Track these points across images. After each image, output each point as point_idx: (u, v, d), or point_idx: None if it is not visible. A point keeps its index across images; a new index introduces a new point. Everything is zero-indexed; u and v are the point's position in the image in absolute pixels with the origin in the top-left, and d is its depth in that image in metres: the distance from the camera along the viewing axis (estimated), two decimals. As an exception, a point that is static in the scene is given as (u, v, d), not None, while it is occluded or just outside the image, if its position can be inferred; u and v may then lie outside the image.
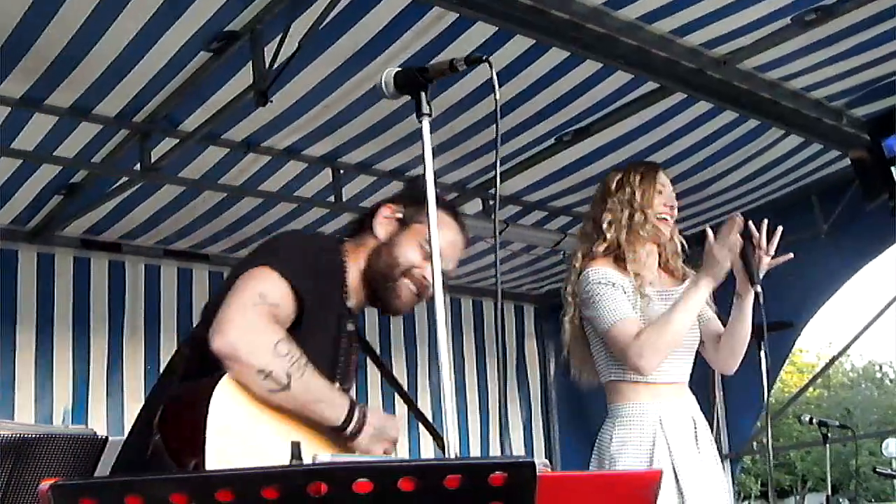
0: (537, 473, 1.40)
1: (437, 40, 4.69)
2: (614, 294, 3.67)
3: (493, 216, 2.94)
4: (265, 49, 4.43)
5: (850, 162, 6.09)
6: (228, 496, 1.37)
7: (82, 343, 6.45)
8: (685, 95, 5.42)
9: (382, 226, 2.97)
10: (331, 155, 5.74)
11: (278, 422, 2.56)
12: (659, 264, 3.91)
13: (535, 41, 4.77)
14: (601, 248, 3.81)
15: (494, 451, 8.16)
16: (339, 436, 2.64)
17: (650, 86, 5.31)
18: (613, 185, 3.91)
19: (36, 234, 6.29)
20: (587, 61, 5.00)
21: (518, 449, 8.30)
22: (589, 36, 4.71)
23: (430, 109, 2.40)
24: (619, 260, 3.79)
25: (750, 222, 3.69)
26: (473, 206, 6.52)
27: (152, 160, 5.29)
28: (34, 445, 3.00)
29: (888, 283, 9.36)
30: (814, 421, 6.30)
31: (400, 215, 2.97)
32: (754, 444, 7.85)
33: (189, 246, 6.83)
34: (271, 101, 4.45)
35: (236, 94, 4.73)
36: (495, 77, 2.41)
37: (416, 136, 2.40)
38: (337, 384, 2.76)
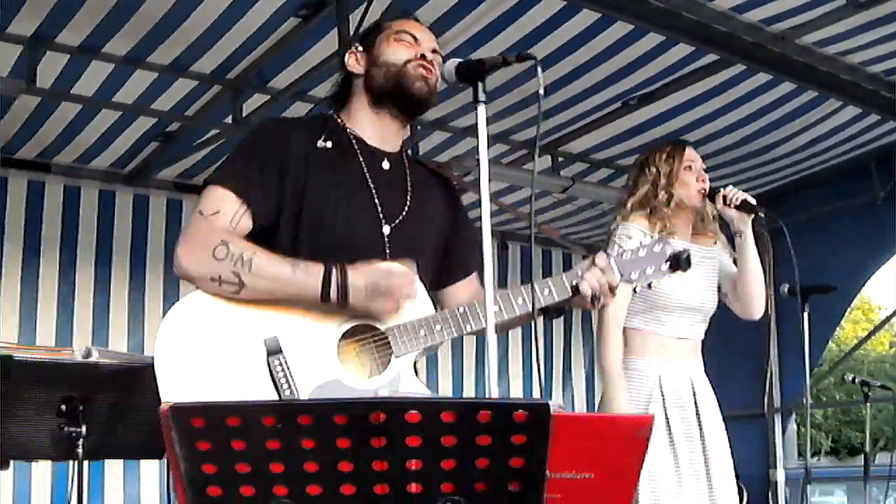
0: (551, 413, 1.76)
1: (511, 12, 5.04)
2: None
3: (530, 207, 3.11)
4: (350, 17, 4.79)
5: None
6: (307, 420, 1.75)
7: (172, 280, 6.93)
8: (744, 67, 5.70)
9: (356, 65, 2.98)
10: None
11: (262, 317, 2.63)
12: (694, 231, 4.26)
13: (601, 14, 5.09)
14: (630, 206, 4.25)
15: (557, 396, 8.58)
16: (330, 307, 2.64)
17: (711, 57, 5.60)
18: (641, 165, 4.33)
19: (132, 177, 6.78)
20: (650, 34, 5.30)
21: (579, 395, 8.67)
22: (651, 10, 5.01)
23: (486, 97, 2.63)
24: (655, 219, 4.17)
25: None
26: (543, 162, 6.90)
27: (243, 114, 5.74)
28: (140, 374, 3.38)
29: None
30: (856, 380, 6.57)
31: (361, 48, 2.99)
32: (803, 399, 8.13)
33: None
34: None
35: (322, 58, 5.15)
36: (541, 77, 2.59)
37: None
38: (387, 226, 2.82)
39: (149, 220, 6.95)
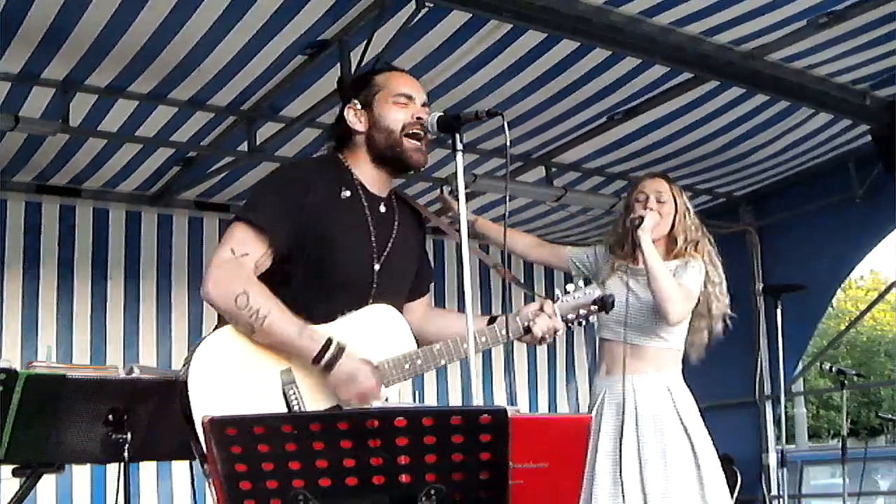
0: (509, 416, 2.22)
1: (499, 42, 5.49)
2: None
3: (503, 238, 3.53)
4: (350, 55, 5.25)
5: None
6: (317, 427, 2.19)
7: (195, 292, 7.38)
8: (718, 83, 6.14)
9: (357, 122, 3.30)
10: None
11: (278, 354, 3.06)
12: (676, 254, 4.62)
13: (580, 43, 5.55)
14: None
15: (561, 391, 9.08)
16: (317, 368, 3.04)
17: (686, 75, 6.04)
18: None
19: (156, 198, 7.28)
20: (628, 57, 5.75)
21: (583, 390, 9.10)
22: (626, 38, 5.44)
23: (462, 146, 3.08)
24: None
25: None
26: (537, 172, 7.38)
27: (257, 141, 6.26)
28: (171, 386, 3.82)
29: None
30: (833, 369, 6.98)
31: (360, 105, 3.30)
32: (792, 387, 8.59)
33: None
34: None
35: (328, 91, 5.67)
36: (507, 130, 3.13)
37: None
38: (377, 264, 3.23)
39: (172, 237, 7.42)
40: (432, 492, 2.20)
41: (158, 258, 7.36)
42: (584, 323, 3.47)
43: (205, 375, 2.99)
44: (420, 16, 4.97)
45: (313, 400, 3.08)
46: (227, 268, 3.09)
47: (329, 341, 3.05)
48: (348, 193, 3.27)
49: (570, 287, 3.44)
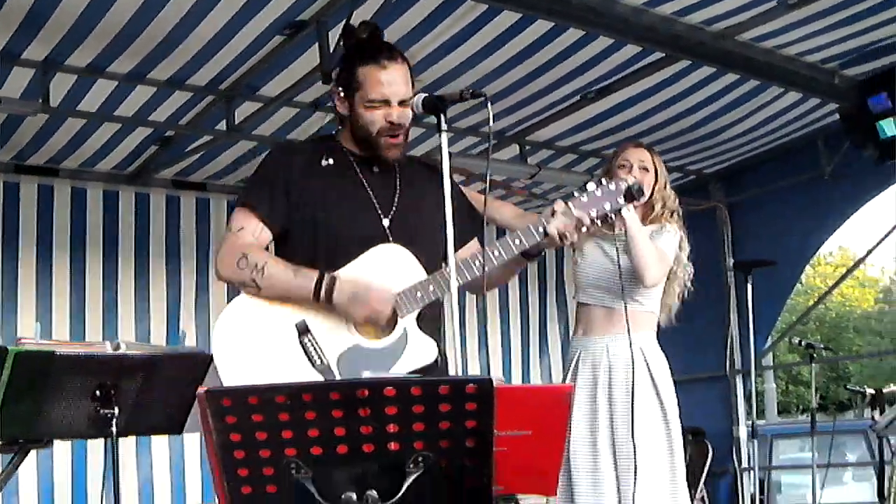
0: (494, 385, 2.31)
1: (475, 22, 5.55)
2: None
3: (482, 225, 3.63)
4: (329, 35, 5.32)
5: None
6: (309, 397, 2.26)
7: (174, 269, 7.50)
8: (689, 62, 6.25)
9: (340, 108, 3.50)
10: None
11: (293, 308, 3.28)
12: (652, 220, 4.76)
13: (553, 24, 5.63)
14: None
15: (534, 363, 9.18)
16: (321, 305, 3.25)
17: (658, 55, 6.14)
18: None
19: (134, 177, 7.32)
20: (601, 37, 5.84)
21: (556, 362, 9.22)
22: (600, 18, 5.51)
23: (447, 126, 3.19)
24: None
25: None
26: (511, 150, 7.48)
27: (236, 120, 6.33)
28: (160, 363, 3.96)
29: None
30: (802, 343, 7.13)
31: (342, 93, 3.47)
32: (762, 362, 8.74)
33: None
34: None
35: (306, 70, 5.72)
36: (490, 109, 3.26)
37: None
38: (386, 219, 3.40)
39: (150, 216, 7.47)
40: (420, 459, 2.28)
41: (136, 237, 7.41)
42: (611, 219, 3.58)
43: (226, 341, 3.25)
44: (394, -1, 5.05)
45: (331, 343, 3.26)
46: (228, 244, 3.40)
47: (322, 274, 3.25)
48: (331, 161, 3.48)
49: (590, 185, 3.52)
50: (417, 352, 3.33)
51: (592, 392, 4.55)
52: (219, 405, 2.25)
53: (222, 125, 6.39)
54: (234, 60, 5.74)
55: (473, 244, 3.62)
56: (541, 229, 3.44)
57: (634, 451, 4.38)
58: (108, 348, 4.02)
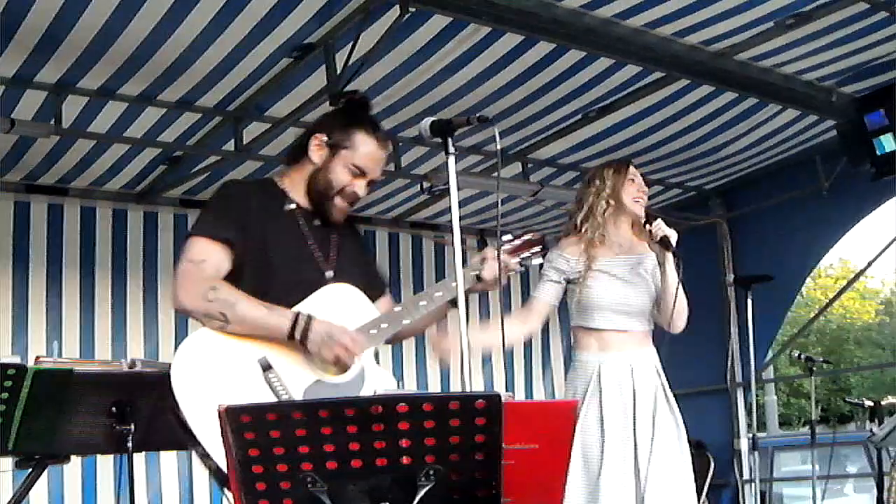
0: (502, 401, 2.40)
1: (479, 44, 5.67)
2: (548, 276, 4.67)
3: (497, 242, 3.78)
4: (336, 57, 5.43)
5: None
6: (325, 413, 2.34)
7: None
8: (688, 81, 6.36)
9: (315, 152, 3.55)
10: (393, 130, 6.63)
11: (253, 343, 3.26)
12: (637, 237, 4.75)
13: (555, 45, 5.75)
14: (570, 232, 4.82)
15: (537, 376, 9.27)
16: (293, 343, 3.27)
17: (657, 74, 6.25)
18: (589, 179, 4.87)
19: (143, 196, 7.41)
20: (602, 58, 5.96)
21: (559, 379, 9.27)
22: (601, 39, 5.65)
23: (454, 150, 3.28)
24: (584, 241, 4.69)
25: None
26: (513, 168, 7.56)
27: (244, 141, 6.43)
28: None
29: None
30: (801, 356, 7.20)
31: (329, 141, 3.55)
32: (763, 375, 8.81)
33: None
34: (341, 102, 5.41)
35: (313, 92, 5.83)
36: (498, 138, 3.37)
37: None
38: (329, 271, 3.49)
39: (158, 234, 7.55)
40: (431, 472, 2.36)
41: (144, 255, 7.48)
42: (527, 266, 3.95)
43: (187, 374, 3.17)
44: (403, 20, 5.12)
45: (293, 379, 3.28)
46: (191, 275, 3.34)
47: (297, 314, 3.29)
48: (293, 206, 3.56)
49: (506, 237, 3.86)
50: (377, 384, 3.43)
51: (629, 412, 4.50)
52: (238, 421, 2.32)
53: (230, 145, 6.50)
54: (242, 82, 5.85)
55: (387, 300, 3.81)
56: (475, 273, 3.65)
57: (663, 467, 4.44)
58: (124, 366, 4.11)
